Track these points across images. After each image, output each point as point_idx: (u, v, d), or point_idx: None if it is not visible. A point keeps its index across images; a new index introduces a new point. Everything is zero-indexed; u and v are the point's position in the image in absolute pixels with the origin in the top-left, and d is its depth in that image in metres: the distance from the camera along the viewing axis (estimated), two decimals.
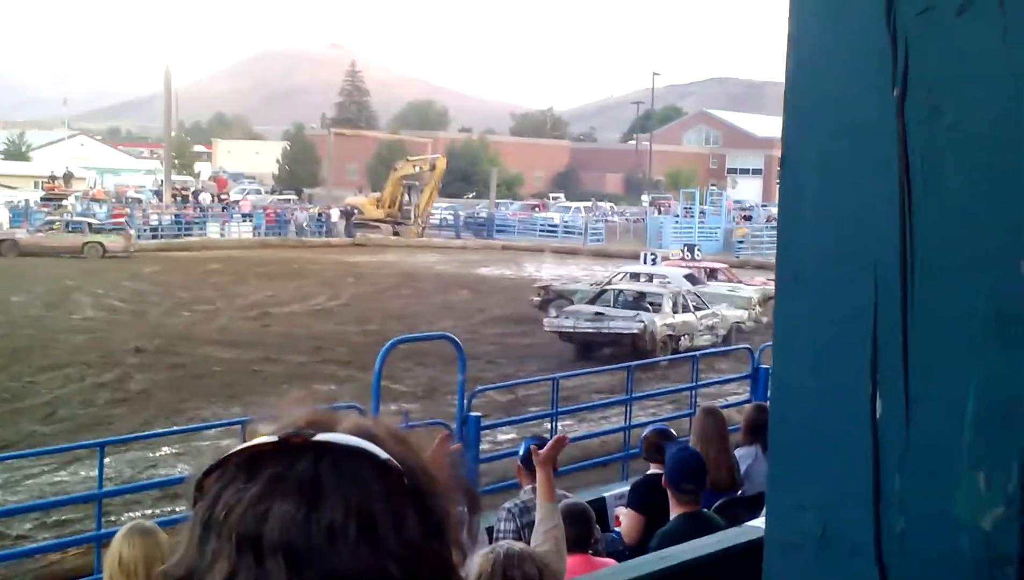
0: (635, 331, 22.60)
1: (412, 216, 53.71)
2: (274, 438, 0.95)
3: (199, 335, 23.57)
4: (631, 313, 23.20)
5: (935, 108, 1.16)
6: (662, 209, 64.43)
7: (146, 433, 14.56)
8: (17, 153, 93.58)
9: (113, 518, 10.63)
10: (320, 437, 0.95)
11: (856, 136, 1.21)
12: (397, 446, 0.98)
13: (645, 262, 31.48)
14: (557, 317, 23.95)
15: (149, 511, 11.88)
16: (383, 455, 0.95)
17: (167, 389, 18.43)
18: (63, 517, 11.33)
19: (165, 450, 14.46)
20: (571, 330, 23.23)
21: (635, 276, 28.13)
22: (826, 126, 1.21)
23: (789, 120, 1.28)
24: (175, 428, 15.30)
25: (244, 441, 0.97)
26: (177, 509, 11.99)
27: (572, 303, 25.54)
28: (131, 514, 11.13)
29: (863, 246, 1.20)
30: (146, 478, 12.98)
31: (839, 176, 1.20)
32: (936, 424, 1.16)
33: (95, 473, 10.52)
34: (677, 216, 56.67)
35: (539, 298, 27.50)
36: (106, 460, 10.97)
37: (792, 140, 1.28)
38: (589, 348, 23.13)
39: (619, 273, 28.95)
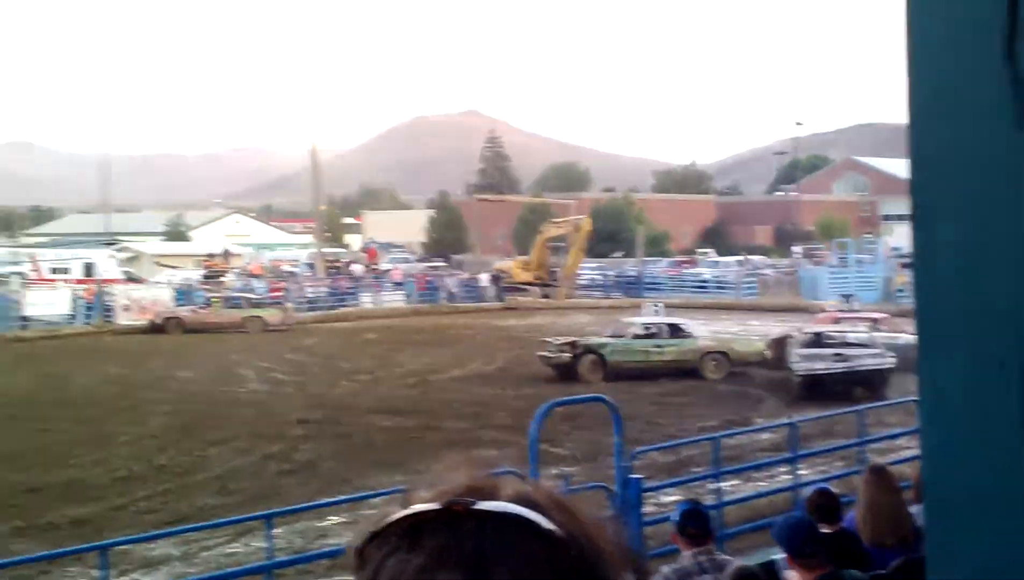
0: (889, 366, 23.82)
1: (560, 278, 53.87)
2: (436, 506, 0.93)
3: (361, 404, 23.94)
4: (874, 350, 24.40)
5: None
6: (816, 260, 63.25)
7: (313, 503, 14.82)
8: (177, 234, 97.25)
9: None
10: (482, 506, 0.93)
11: (986, 180, 1.15)
12: (560, 514, 0.95)
13: (651, 312, 31.94)
14: (801, 362, 24.38)
15: None
16: (547, 525, 0.93)
17: (332, 459, 18.73)
18: None
19: (333, 519, 14.66)
20: (823, 372, 24.02)
21: (647, 326, 28.98)
22: (954, 172, 1.16)
23: (916, 168, 1.22)
24: (341, 498, 15.53)
25: (403, 508, 0.95)
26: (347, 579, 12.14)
27: (600, 355, 27.33)
28: None
29: (1004, 293, 1.13)
30: (316, 548, 13.16)
31: (972, 222, 1.15)
32: None
33: (266, 544, 10.74)
34: (832, 266, 55.56)
35: (568, 354, 27.45)
36: (277, 531, 11.21)
37: (921, 188, 1.22)
38: (827, 389, 23.63)
39: (629, 321, 29.94)
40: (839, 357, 24.30)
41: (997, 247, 1.15)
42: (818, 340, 25.73)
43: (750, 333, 37.49)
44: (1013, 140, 1.13)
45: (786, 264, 68.09)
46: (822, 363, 24.20)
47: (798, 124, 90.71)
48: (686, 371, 26.93)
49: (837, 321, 28.87)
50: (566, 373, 27.01)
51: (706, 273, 61.37)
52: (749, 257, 72.79)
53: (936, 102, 1.20)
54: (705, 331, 28.51)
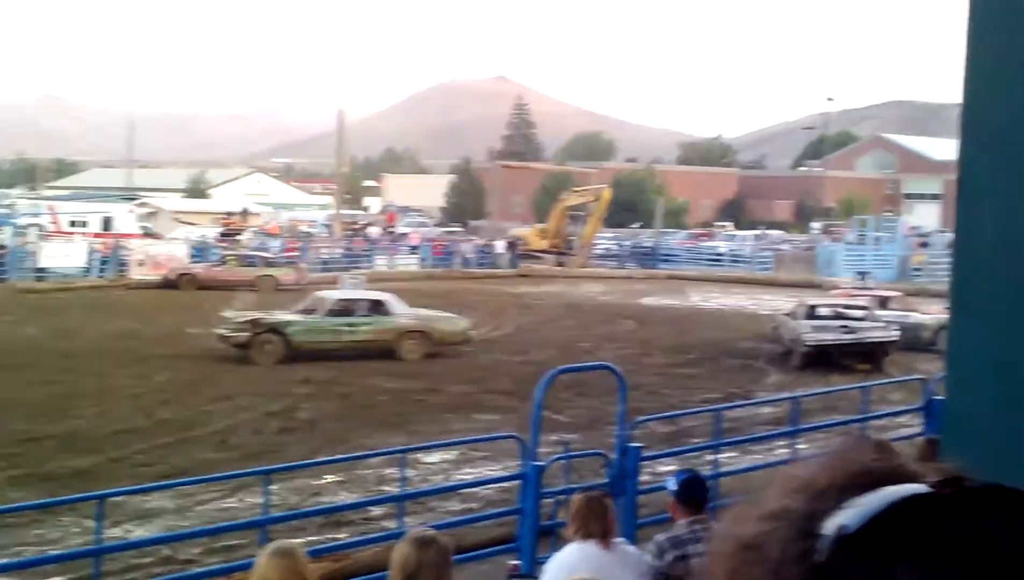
0: (895, 338, 24.64)
1: (576, 246, 53.78)
2: (925, 489, 0.74)
3: (365, 366, 23.97)
4: (879, 323, 24.91)
5: None
6: (834, 237, 63.01)
7: (311, 461, 14.88)
8: (197, 192, 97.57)
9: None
10: (972, 484, 0.75)
11: None
12: None
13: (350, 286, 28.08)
14: (811, 332, 24.47)
15: (313, 537, 12.08)
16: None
17: (334, 418, 18.79)
18: (230, 543, 11.58)
19: (329, 478, 14.70)
20: (832, 342, 24.29)
21: (343, 301, 25.91)
22: (1006, 150, 1.12)
23: (967, 144, 1.17)
24: (339, 456, 15.59)
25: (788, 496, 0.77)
26: (339, 536, 12.18)
27: (284, 335, 24.42)
28: (296, 541, 11.35)
29: None
30: (310, 505, 13.21)
31: (1019, 202, 1.10)
32: None
33: (262, 500, 10.77)
34: (849, 243, 55.32)
35: (247, 333, 24.20)
36: (273, 487, 11.23)
37: (970, 164, 1.17)
38: (831, 360, 24.19)
39: (321, 296, 26.63)
40: (845, 329, 24.45)
41: None
42: (826, 313, 25.95)
43: (761, 306, 37.52)
44: None
45: (804, 240, 67.83)
46: (830, 334, 24.34)
47: (829, 99, 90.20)
48: (383, 353, 24.92)
49: (851, 298, 28.81)
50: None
51: (722, 246, 61.19)
52: (767, 232, 72.54)
53: (993, 81, 1.17)
54: (407, 309, 26.00)
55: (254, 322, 24.74)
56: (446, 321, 26.50)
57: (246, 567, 10.06)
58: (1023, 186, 1.12)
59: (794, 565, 0.72)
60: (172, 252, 44.37)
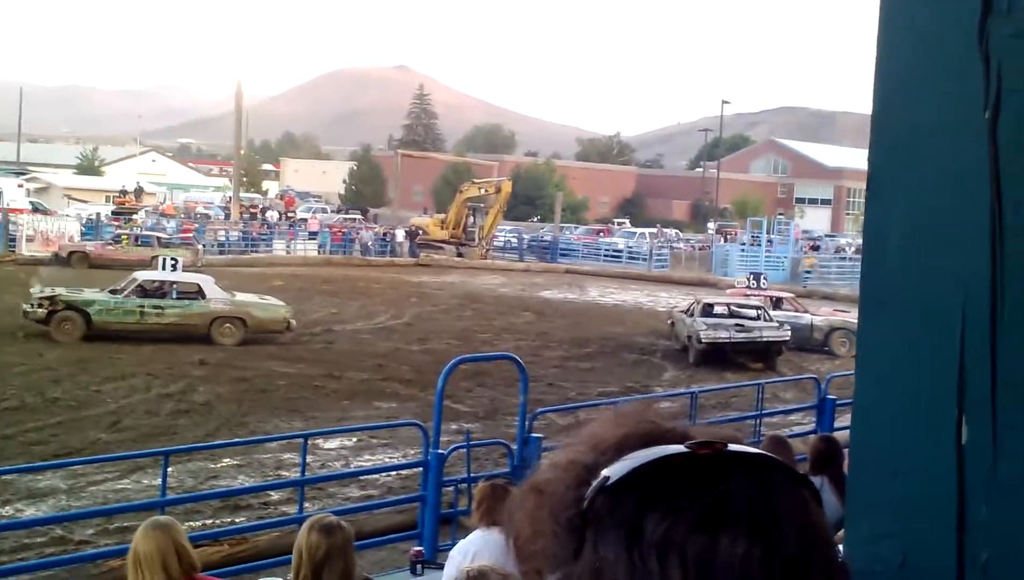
0: (786, 338, 25.27)
1: (476, 238, 53.87)
2: (681, 449, 0.82)
3: (263, 350, 23.77)
4: (772, 323, 25.53)
5: None
6: (728, 237, 64.07)
7: (210, 443, 14.74)
8: (90, 168, 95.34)
9: None
10: (734, 447, 0.82)
11: (946, 160, 1.18)
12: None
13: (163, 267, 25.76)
14: (707, 329, 24.85)
15: (210, 520, 12.02)
16: (796, 469, 0.83)
17: (230, 402, 18.60)
18: (125, 524, 11.44)
19: (226, 461, 14.59)
20: (726, 341, 24.73)
21: (152, 282, 25.20)
22: (915, 149, 1.19)
23: (877, 142, 1.25)
24: (238, 439, 15.48)
25: (574, 460, 0.85)
26: (236, 520, 12.11)
27: (85, 313, 23.86)
28: (192, 523, 11.27)
29: (952, 271, 1.17)
30: (207, 488, 13.10)
31: (928, 200, 1.18)
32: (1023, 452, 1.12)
33: (157, 482, 10.65)
34: (743, 244, 56.31)
35: (45, 310, 23.59)
36: (169, 470, 11.11)
37: (880, 163, 1.25)
38: (726, 358, 24.70)
39: (133, 277, 25.60)
40: (740, 327, 24.98)
41: (952, 225, 1.18)
42: (722, 311, 26.52)
43: (657, 303, 38.03)
44: (978, 122, 1.15)
45: (699, 239, 68.84)
46: (725, 332, 24.83)
47: (725, 103, 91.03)
48: (195, 337, 24.38)
49: (746, 297, 29.34)
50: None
51: (620, 243, 61.83)
52: (664, 230, 73.48)
53: (904, 80, 1.22)
54: (222, 293, 25.27)
55: (53, 299, 23.95)
56: (264, 308, 25.64)
57: None
58: (930, 186, 1.20)
59: (568, 508, 0.83)
60: (63, 228, 43.38)
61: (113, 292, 24.68)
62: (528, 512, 0.87)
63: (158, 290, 25.05)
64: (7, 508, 12.04)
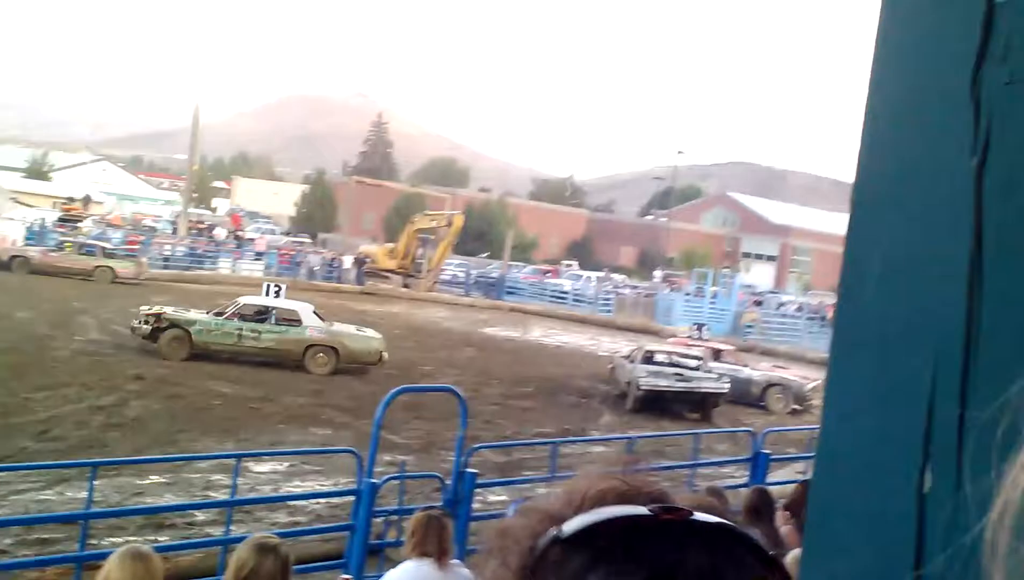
0: (724, 391, 25.42)
1: (424, 269, 53.78)
2: (646, 511, 0.80)
3: (201, 368, 23.48)
4: (711, 374, 25.66)
5: (1014, 182, 1.10)
6: (674, 286, 64.44)
7: (139, 458, 14.49)
8: (38, 173, 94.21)
9: (95, 541, 10.49)
10: (700, 517, 0.81)
11: (929, 204, 1.16)
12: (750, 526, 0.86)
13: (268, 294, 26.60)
14: (647, 376, 24.86)
15: (132, 537, 11.76)
16: (759, 540, 0.83)
17: (163, 418, 18.32)
18: (45, 535, 11.19)
19: (154, 478, 14.34)
20: (665, 389, 24.79)
21: (254, 306, 25.91)
22: (900, 190, 1.17)
23: (862, 180, 1.23)
24: (169, 456, 15.23)
25: (545, 518, 0.84)
26: (160, 538, 11.88)
27: (187, 331, 24.71)
28: (114, 539, 11.03)
29: (927, 316, 1.15)
30: (132, 504, 12.85)
31: (907, 245, 1.16)
32: (986, 504, 1.09)
33: (82, 494, 10.42)
34: (688, 294, 56.65)
35: (150, 326, 24.56)
36: (95, 483, 10.89)
37: (863, 201, 1.23)
38: (664, 406, 24.76)
39: (236, 301, 26.34)
40: (680, 377, 25.03)
41: (930, 270, 1.16)
42: (663, 359, 26.52)
43: (599, 347, 38.08)
44: (964, 166, 1.13)
45: (645, 286, 69.21)
46: (665, 380, 24.89)
47: (679, 153, 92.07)
48: (289, 363, 25.01)
49: (687, 347, 29.47)
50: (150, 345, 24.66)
51: (567, 285, 61.96)
52: (611, 275, 73.78)
53: (892, 123, 1.20)
54: (319, 322, 25.73)
55: (159, 316, 24.78)
56: (358, 339, 26.04)
57: (63, 561, 9.78)
58: (911, 230, 1.18)
59: (523, 556, 0.82)
60: (5, 233, 42.76)
61: (217, 314, 25.35)
62: (491, 554, 0.87)
63: (258, 314, 25.45)
64: None
